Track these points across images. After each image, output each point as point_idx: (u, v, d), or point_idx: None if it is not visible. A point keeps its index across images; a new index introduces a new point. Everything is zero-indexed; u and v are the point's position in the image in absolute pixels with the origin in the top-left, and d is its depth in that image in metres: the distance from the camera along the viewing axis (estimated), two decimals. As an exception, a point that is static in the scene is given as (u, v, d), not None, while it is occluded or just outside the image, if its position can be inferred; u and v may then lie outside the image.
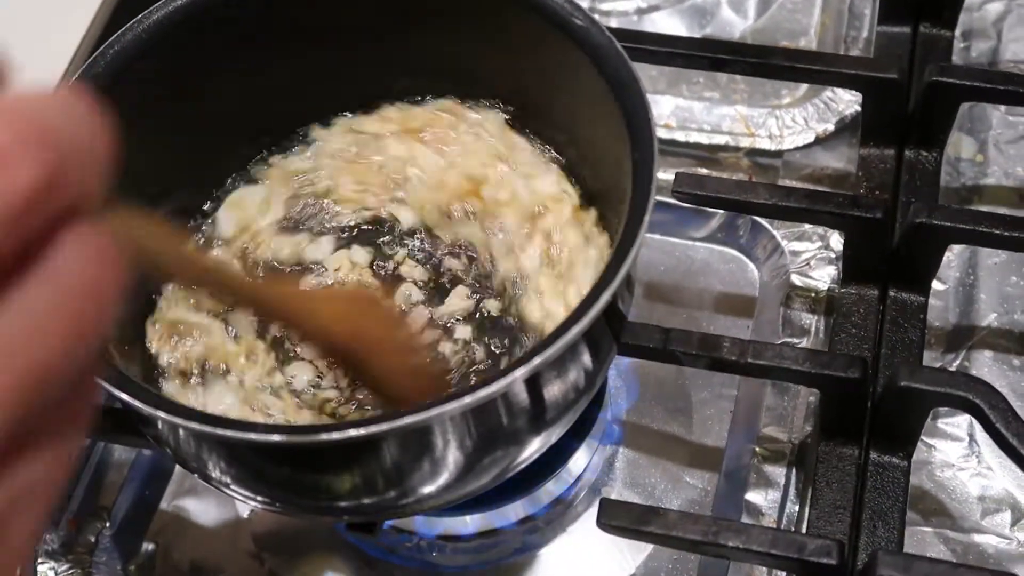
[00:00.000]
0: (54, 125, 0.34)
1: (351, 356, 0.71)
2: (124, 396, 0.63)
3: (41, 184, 0.33)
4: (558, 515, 0.87)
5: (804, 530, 0.81)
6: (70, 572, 0.86)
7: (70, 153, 0.34)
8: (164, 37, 0.77)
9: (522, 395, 0.67)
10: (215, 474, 0.71)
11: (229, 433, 0.62)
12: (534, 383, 0.67)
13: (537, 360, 0.62)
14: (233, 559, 0.89)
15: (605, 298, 0.64)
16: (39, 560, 0.86)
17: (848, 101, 1.02)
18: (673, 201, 0.91)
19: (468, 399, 0.61)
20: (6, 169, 0.32)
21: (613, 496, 0.88)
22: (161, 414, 0.62)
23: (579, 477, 0.88)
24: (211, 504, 0.91)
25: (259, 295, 0.67)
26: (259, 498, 0.73)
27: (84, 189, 0.34)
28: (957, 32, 1.04)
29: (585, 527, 0.87)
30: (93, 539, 0.89)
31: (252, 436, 0.61)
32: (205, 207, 0.85)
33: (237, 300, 0.71)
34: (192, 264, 0.61)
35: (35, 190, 0.33)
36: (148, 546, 0.90)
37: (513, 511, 0.86)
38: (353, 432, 0.60)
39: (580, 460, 0.87)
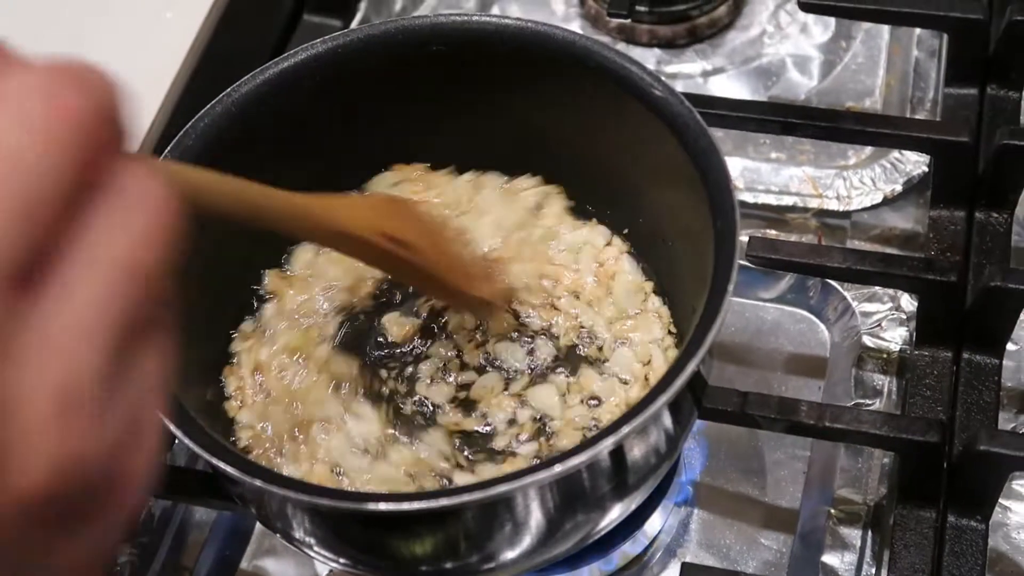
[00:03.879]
0: (87, 73, 0.36)
1: (406, 259, 0.72)
2: (215, 461, 0.64)
3: (90, 109, 0.35)
4: (634, 576, 0.88)
5: (883, 593, 0.81)
6: (153, 632, 0.88)
7: (106, 91, 0.36)
8: (254, 106, 0.79)
9: (606, 463, 0.68)
10: (299, 535, 0.72)
11: (320, 501, 0.63)
12: (619, 451, 0.68)
13: (625, 429, 0.63)
14: (311, 619, 0.90)
15: (691, 367, 0.65)
16: (123, 620, 0.87)
17: (915, 162, 1.03)
18: (745, 263, 0.92)
19: (556, 469, 0.62)
20: (55, 98, 0.35)
21: (688, 557, 0.88)
22: (256, 481, 0.63)
23: (654, 538, 0.88)
24: (290, 565, 0.92)
25: (310, 214, 0.66)
26: (341, 560, 0.74)
27: (126, 127, 0.37)
28: (1025, 93, 1.04)
29: (661, 589, 0.88)
30: (175, 599, 0.90)
31: (342, 504, 0.63)
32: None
33: (293, 226, 0.69)
34: (239, 197, 0.59)
35: (87, 112, 0.35)
36: (228, 606, 0.91)
37: (589, 572, 0.86)
38: (445, 501, 0.61)
39: (655, 522, 0.88)
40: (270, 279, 0.84)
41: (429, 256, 0.73)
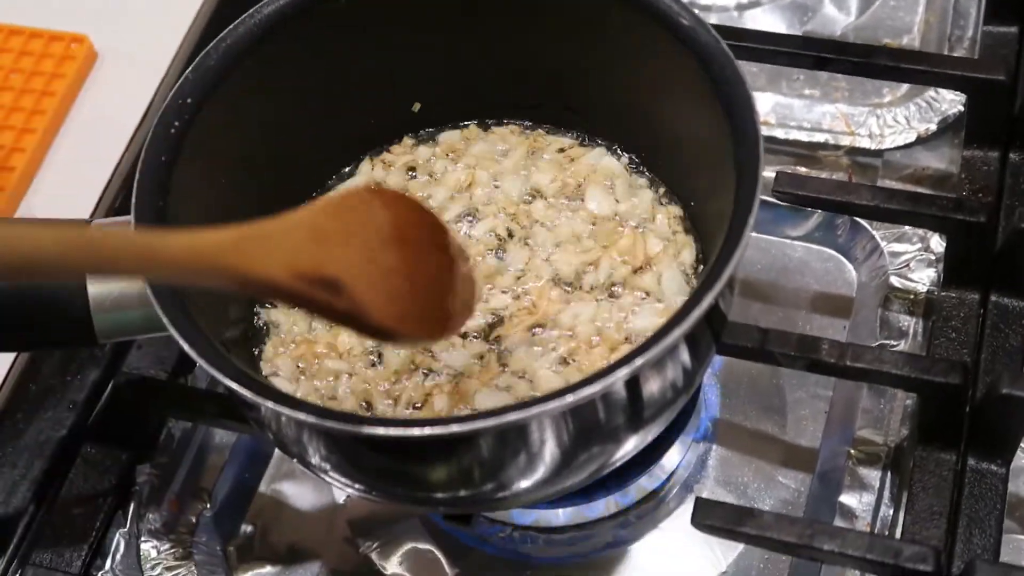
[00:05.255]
0: None
1: (323, 305, 0.61)
2: (231, 383, 0.64)
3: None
4: (650, 510, 0.88)
5: (899, 535, 0.81)
6: (172, 551, 0.88)
7: None
8: (278, 29, 0.78)
9: (622, 394, 0.67)
10: (315, 461, 0.72)
11: (331, 424, 0.63)
12: (634, 383, 0.67)
13: (639, 361, 0.62)
14: (328, 544, 0.90)
15: (709, 299, 0.64)
16: (142, 539, 0.88)
17: (951, 100, 1.01)
18: (772, 199, 0.91)
19: (569, 398, 0.61)
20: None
21: (705, 494, 0.88)
22: (267, 403, 0.63)
23: (672, 473, 0.88)
24: (308, 489, 0.93)
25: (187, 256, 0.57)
26: (357, 486, 0.74)
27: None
28: (1064, 31, 1.02)
29: (677, 523, 0.87)
30: (194, 519, 0.91)
31: (353, 428, 0.62)
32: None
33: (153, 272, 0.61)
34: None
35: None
36: (247, 528, 0.92)
37: (605, 505, 0.87)
38: (456, 428, 0.61)
39: (673, 456, 0.88)
40: None
41: (359, 294, 0.62)
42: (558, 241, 0.82)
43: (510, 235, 0.83)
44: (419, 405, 0.76)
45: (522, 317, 0.79)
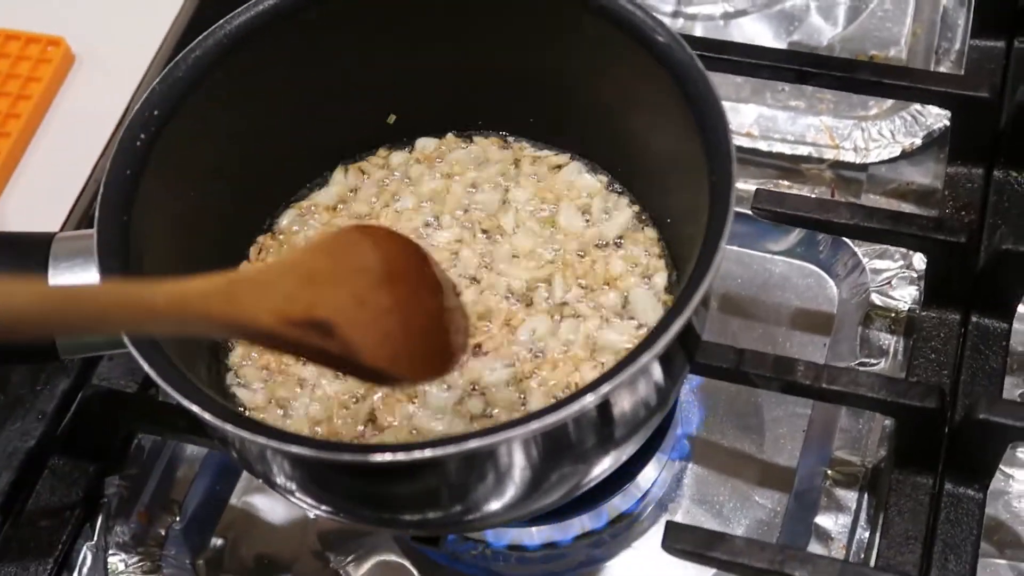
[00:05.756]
0: None
1: (316, 349, 0.60)
2: (193, 407, 0.63)
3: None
4: (624, 529, 0.87)
5: (874, 559, 0.80)
6: (140, 564, 0.87)
7: None
8: (248, 40, 0.77)
9: (593, 416, 0.66)
10: (279, 481, 0.71)
11: (293, 449, 0.62)
12: (605, 406, 0.66)
13: (606, 387, 0.61)
14: (299, 557, 0.89)
15: (681, 321, 0.63)
16: (110, 552, 0.87)
17: (937, 115, 1.00)
18: (751, 213, 0.90)
19: (536, 424, 0.60)
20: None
21: (680, 513, 0.87)
22: (228, 427, 0.62)
23: (647, 492, 0.87)
24: (279, 502, 0.91)
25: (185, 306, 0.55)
26: (323, 507, 0.73)
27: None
28: (1052, 47, 1.01)
29: (651, 543, 0.86)
30: (163, 532, 0.90)
31: (318, 454, 0.61)
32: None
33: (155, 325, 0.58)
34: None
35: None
36: (217, 541, 0.91)
37: (579, 524, 0.85)
38: (418, 454, 0.60)
39: (648, 475, 0.86)
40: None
41: (351, 335, 0.60)
42: (516, 254, 0.81)
43: (474, 238, 0.82)
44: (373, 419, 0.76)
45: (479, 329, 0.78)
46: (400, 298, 0.66)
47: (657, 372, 0.69)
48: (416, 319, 0.67)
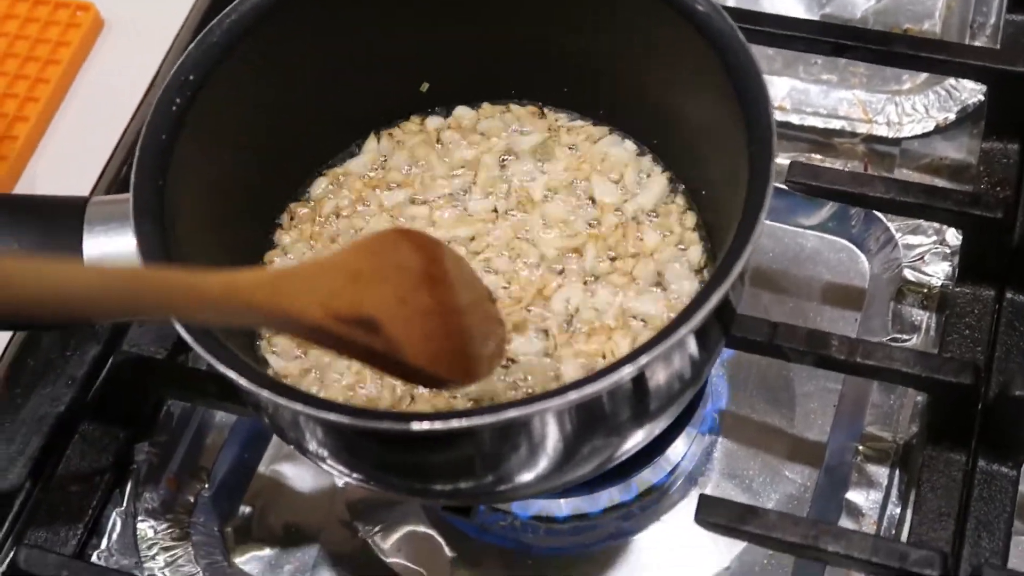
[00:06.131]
0: None
1: (362, 345, 0.61)
2: (229, 371, 0.63)
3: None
4: (653, 503, 0.86)
5: (905, 535, 0.79)
6: (168, 531, 0.87)
7: None
8: (276, 10, 0.76)
9: (628, 389, 0.66)
10: (312, 448, 0.71)
11: (330, 416, 0.62)
12: (640, 378, 0.66)
13: (644, 359, 0.61)
14: (327, 526, 0.90)
15: (719, 295, 0.63)
16: (139, 518, 0.87)
17: (971, 90, 0.99)
18: (785, 187, 0.89)
19: (573, 395, 0.60)
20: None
21: (710, 487, 0.87)
22: (264, 393, 0.62)
23: (676, 466, 0.87)
24: (307, 470, 0.92)
25: (234, 295, 0.56)
26: (355, 475, 0.73)
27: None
28: (1090, 21, 1.00)
29: (680, 517, 0.86)
30: (192, 499, 0.90)
31: (355, 421, 0.61)
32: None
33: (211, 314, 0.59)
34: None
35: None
36: (245, 508, 0.91)
37: (608, 497, 0.85)
38: (455, 423, 0.60)
39: (678, 448, 0.86)
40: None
41: (395, 333, 0.62)
42: (548, 223, 0.81)
43: (507, 207, 0.82)
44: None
45: (512, 299, 0.78)
46: (439, 300, 0.67)
47: (693, 345, 0.69)
48: (454, 321, 0.68)
